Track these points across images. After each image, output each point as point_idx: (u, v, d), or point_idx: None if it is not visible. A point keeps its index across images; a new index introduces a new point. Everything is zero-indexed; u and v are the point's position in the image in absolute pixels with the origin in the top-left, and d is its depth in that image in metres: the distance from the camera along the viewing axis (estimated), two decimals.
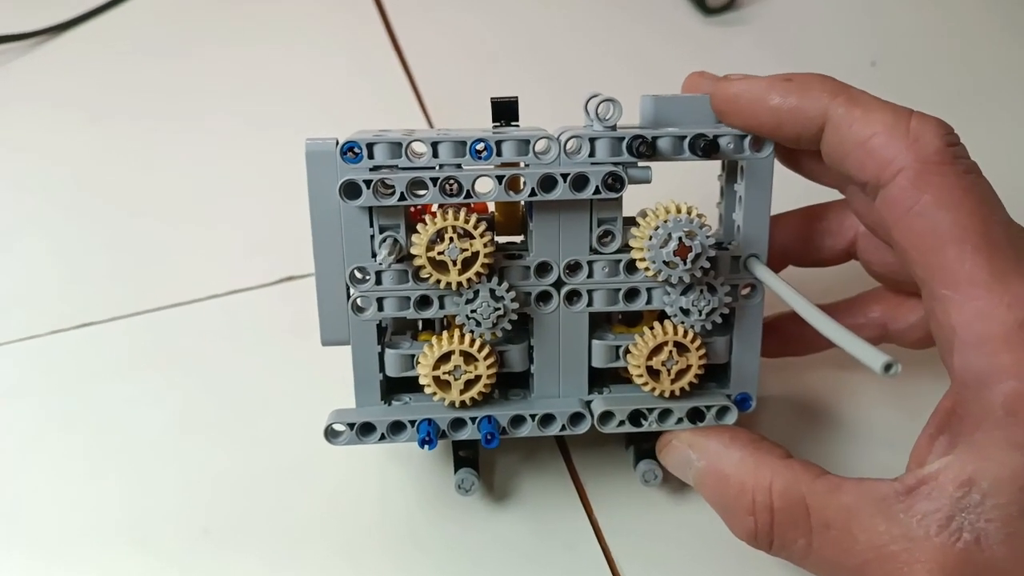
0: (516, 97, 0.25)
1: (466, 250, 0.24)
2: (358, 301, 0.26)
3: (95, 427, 0.31)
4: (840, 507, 0.22)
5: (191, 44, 0.48)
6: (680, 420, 0.26)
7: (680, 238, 0.24)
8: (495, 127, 0.25)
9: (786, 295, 0.24)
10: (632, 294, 0.26)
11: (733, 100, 0.24)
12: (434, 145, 0.24)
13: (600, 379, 0.27)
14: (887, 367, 0.19)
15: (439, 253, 0.24)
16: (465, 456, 0.28)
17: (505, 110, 0.25)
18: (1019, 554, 0.20)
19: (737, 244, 0.26)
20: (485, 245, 0.24)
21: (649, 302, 0.26)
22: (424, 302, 0.25)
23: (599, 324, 0.27)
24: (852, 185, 0.25)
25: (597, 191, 0.24)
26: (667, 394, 0.26)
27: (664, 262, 0.24)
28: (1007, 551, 0.20)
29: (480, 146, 0.24)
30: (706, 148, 0.24)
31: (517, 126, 0.25)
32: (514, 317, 0.25)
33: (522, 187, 0.24)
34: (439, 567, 0.28)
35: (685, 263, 0.24)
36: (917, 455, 0.23)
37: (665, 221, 0.24)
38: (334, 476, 0.30)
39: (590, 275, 0.26)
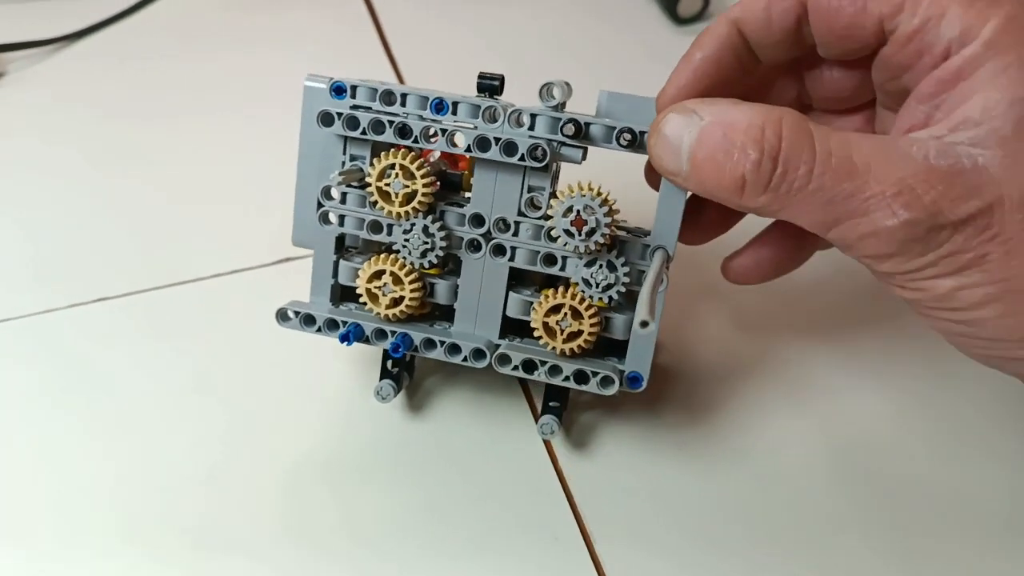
0: (502, 75, 0.29)
1: (407, 187, 0.28)
2: (327, 215, 0.30)
3: (104, 393, 0.34)
4: (842, 139, 0.22)
5: (198, 51, 0.52)
6: (567, 378, 0.29)
7: (578, 211, 0.27)
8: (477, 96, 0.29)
9: (646, 289, 0.25)
10: (550, 259, 0.29)
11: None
12: (403, 96, 0.28)
13: (519, 333, 0.30)
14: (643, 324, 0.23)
15: (386, 184, 0.28)
16: (390, 370, 0.32)
17: (488, 85, 0.29)
18: (1013, 171, 0.21)
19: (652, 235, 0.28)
20: (424, 186, 0.28)
21: (563, 269, 0.29)
22: (376, 227, 0.30)
23: (522, 280, 0.30)
24: None
25: (523, 158, 0.27)
26: (559, 351, 0.29)
27: (564, 230, 0.27)
28: (1002, 170, 0.21)
29: (438, 103, 0.28)
30: (629, 142, 0.27)
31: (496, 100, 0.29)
32: (440, 254, 0.29)
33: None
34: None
35: (580, 234, 0.27)
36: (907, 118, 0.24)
37: (572, 195, 0.27)
38: (323, 428, 0.33)
39: (515, 234, 0.29)
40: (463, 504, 0.31)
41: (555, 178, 0.29)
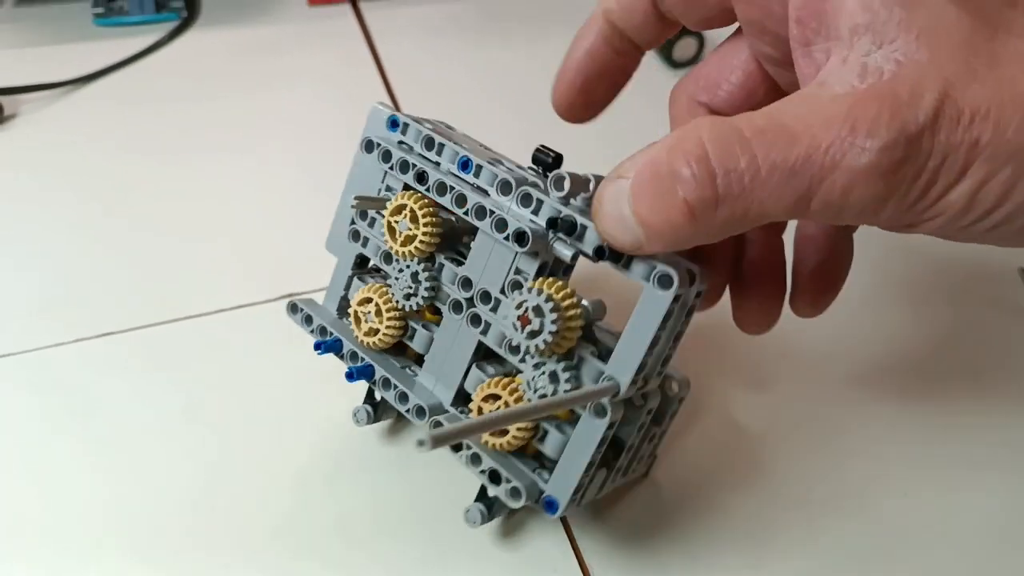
0: (559, 154, 0.27)
1: (410, 230, 0.28)
2: (356, 232, 0.31)
3: (107, 426, 0.35)
4: (765, 112, 0.21)
5: (204, 93, 0.53)
6: (483, 472, 0.27)
7: (527, 308, 0.25)
8: (530, 168, 0.28)
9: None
10: (515, 348, 0.27)
11: None
12: (441, 145, 0.29)
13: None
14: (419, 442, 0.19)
15: (395, 222, 0.29)
16: (375, 396, 0.32)
17: (542, 160, 0.27)
18: (935, 49, 0.19)
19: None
20: (424, 235, 0.28)
21: (521, 361, 0.26)
22: (387, 257, 0.30)
23: (492, 357, 0.29)
24: None
25: (507, 238, 0.26)
26: (486, 442, 0.27)
27: (511, 322, 0.25)
28: (927, 54, 0.19)
29: (464, 161, 0.28)
30: (612, 257, 0.24)
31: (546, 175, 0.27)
32: (420, 302, 0.29)
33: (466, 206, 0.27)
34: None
35: (522, 332, 0.25)
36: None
37: (532, 289, 0.25)
38: (324, 471, 0.33)
39: (494, 310, 0.27)
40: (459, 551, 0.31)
41: (567, 269, 0.27)
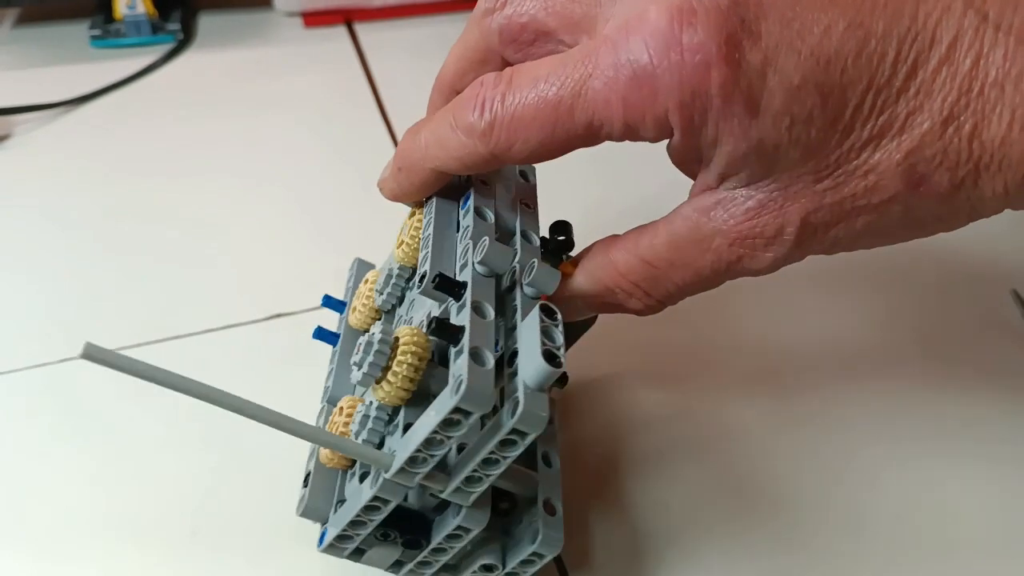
0: (562, 243, 0.28)
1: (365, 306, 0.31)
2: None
3: (103, 443, 0.35)
4: (664, 246, 0.25)
5: (199, 115, 0.53)
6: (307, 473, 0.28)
7: (368, 340, 0.24)
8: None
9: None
10: None
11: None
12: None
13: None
14: None
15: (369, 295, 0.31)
16: None
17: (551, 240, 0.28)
18: (787, 189, 0.23)
19: None
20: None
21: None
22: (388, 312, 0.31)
23: None
24: None
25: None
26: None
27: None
28: (779, 193, 0.23)
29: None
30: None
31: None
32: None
33: None
34: None
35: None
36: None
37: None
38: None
39: None
40: None
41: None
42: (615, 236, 0.27)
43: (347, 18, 0.63)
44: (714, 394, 0.37)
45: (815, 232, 0.24)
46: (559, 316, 0.23)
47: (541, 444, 0.28)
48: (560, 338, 0.23)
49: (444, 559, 0.26)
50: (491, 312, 0.23)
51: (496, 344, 0.24)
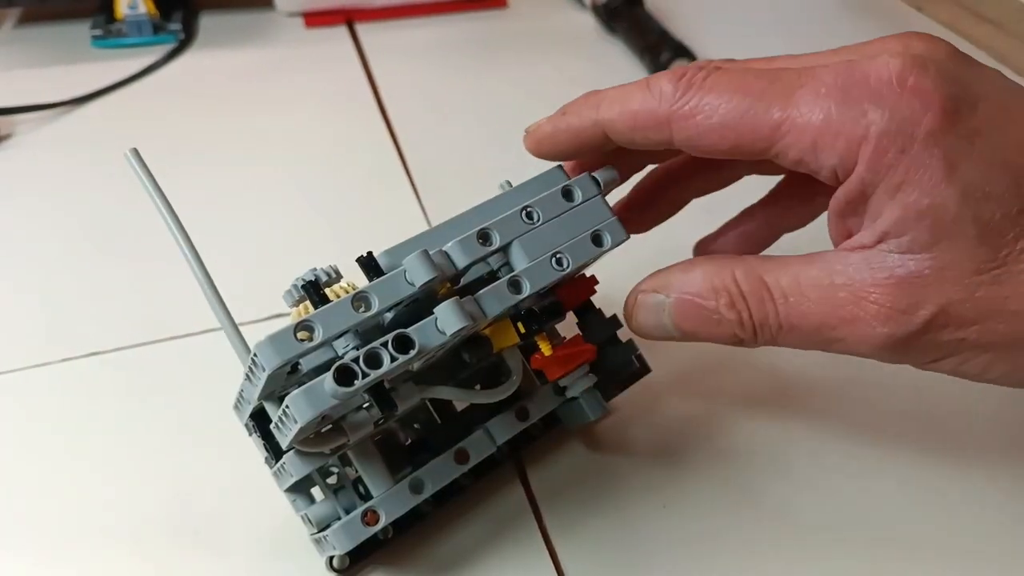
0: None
1: None
2: None
3: (102, 443, 0.35)
4: (790, 276, 0.24)
5: (199, 114, 0.53)
6: None
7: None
8: None
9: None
10: None
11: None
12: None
13: None
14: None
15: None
16: None
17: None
18: (943, 270, 0.22)
19: None
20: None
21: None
22: None
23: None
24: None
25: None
26: None
27: None
28: (934, 273, 0.22)
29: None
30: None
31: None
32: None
33: None
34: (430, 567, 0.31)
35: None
36: (836, 237, 0.25)
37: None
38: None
39: None
40: None
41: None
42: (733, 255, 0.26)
43: (348, 18, 0.63)
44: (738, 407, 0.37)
45: (946, 325, 0.22)
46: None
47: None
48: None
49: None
50: (372, 304, 0.23)
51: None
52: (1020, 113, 0.22)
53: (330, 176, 0.48)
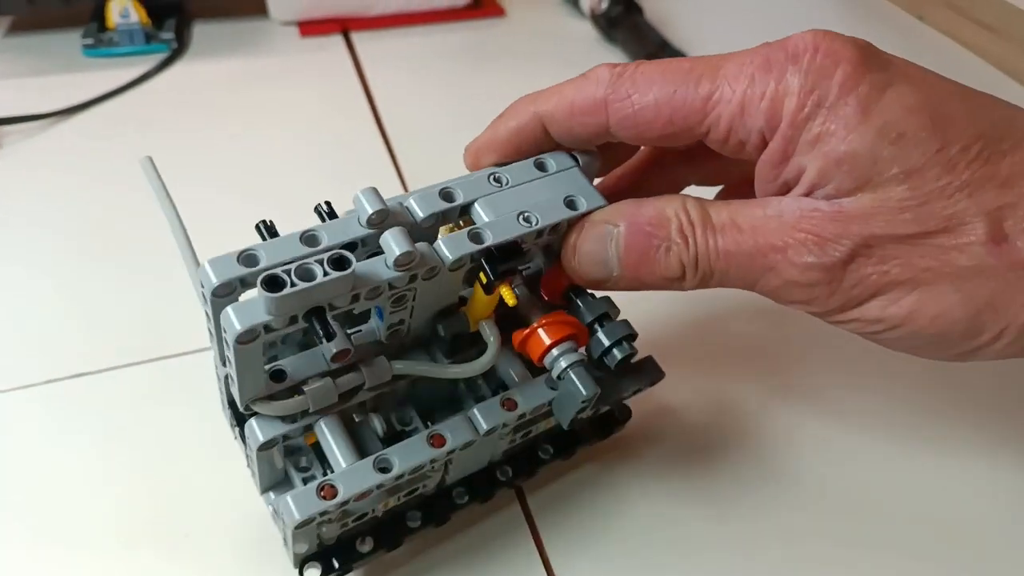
0: (517, 243, 0.25)
1: None
2: None
3: (114, 456, 0.34)
4: (728, 211, 0.24)
5: (192, 124, 0.52)
6: None
7: None
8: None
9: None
10: None
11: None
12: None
13: None
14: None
15: None
16: None
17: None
18: (867, 208, 0.23)
19: None
20: None
21: None
22: None
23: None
24: None
25: None
26: None
27: None
28: (861, 211, 0.23)
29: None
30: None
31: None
32: None
33: None
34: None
35: None
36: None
37: None
38: None
39: None
40: None
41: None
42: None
43: (344, 27, 0.62)
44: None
45: (870, 257, 0.23)
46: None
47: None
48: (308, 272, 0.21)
49: None
50: (320, 239, 0.23)
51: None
52: (931, 76, 0.24)
53: (325, 189, 0.48)
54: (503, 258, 0.24)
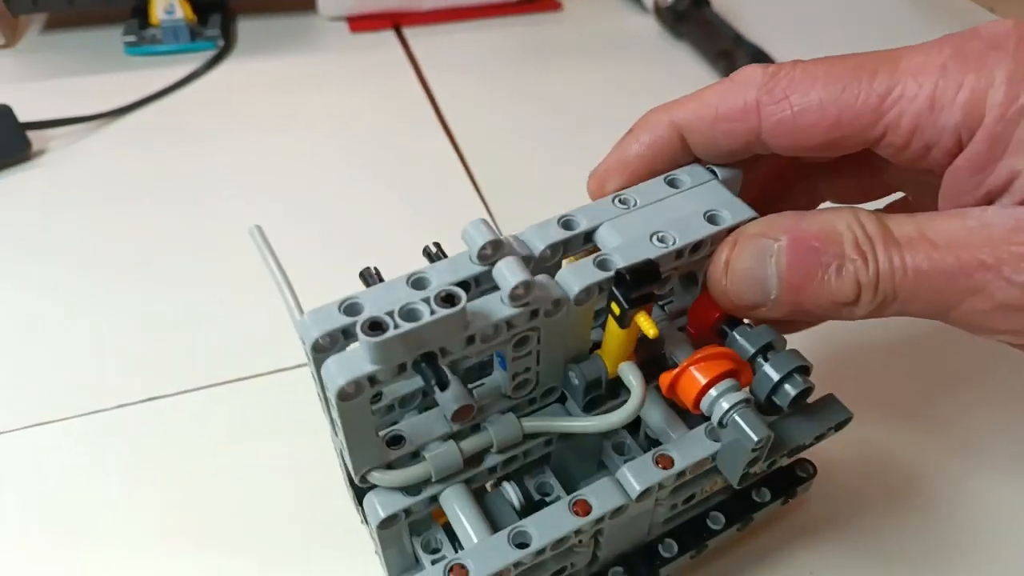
0: (653, 263, 0.21)
1: None
2: None
3: (164, 494, 0.31)
4: (914, 224, 0.21)
5: (241, 127, 0.49)
6: None
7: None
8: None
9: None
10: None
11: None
12: None
13: None
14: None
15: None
16: None
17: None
18: None
19: None
20: None
21: None
22: None
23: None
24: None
25: None
26: None
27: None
28: None
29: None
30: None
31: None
32: None
33: None
34: None
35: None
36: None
37: None
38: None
39: None
40: None
41: None
42: None
43: (395, 23, 0.59)
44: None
45: None
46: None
47: None
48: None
49: None
50: (428, 282, 0.21)
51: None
52: None
53: (391, 191, 0.45)
54: (636, 282, 0.21)
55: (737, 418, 0.21)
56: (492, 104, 0.52)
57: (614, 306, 0.21)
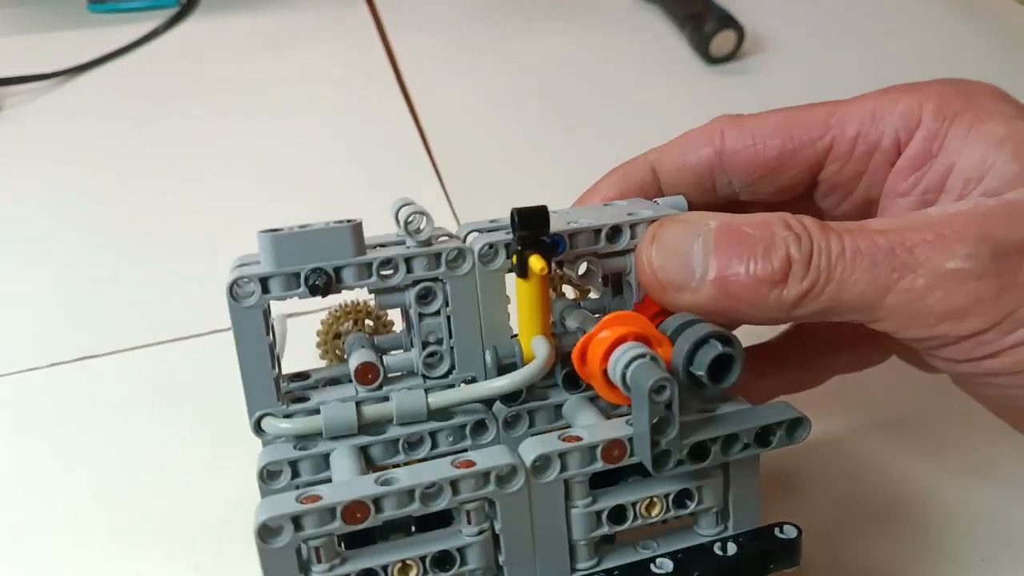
0: (544, 207, 0.21)
1: None
2: None
3: (91, 458, 0.31)
4: (850, 223, 0.21)
5: (203, 86, 0.49)
6: None
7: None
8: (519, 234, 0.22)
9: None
10: None
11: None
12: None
13: None
14: None
15: None
16: None
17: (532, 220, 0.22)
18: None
19: None
20: None
21: None
22: None
23: None
24: None
25: None
26: None
27: None
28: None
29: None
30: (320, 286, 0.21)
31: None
32: None
33: None
34: None
35: None
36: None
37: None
38: None
39: None
40: None
41: None
42: None
43: None
44: None
45: None
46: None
47: None
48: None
49: None
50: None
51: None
52: None
53: (344, 155, 0.45)
54: (524, 221, 0.21)
55: (634, 367, 0.20)
56: (456, 66, 0.51)
57: (514, 258, 0.21)
